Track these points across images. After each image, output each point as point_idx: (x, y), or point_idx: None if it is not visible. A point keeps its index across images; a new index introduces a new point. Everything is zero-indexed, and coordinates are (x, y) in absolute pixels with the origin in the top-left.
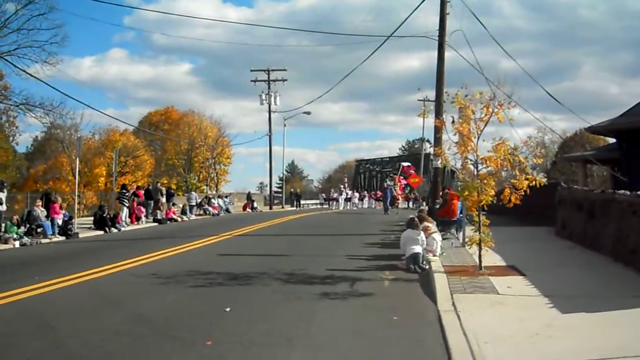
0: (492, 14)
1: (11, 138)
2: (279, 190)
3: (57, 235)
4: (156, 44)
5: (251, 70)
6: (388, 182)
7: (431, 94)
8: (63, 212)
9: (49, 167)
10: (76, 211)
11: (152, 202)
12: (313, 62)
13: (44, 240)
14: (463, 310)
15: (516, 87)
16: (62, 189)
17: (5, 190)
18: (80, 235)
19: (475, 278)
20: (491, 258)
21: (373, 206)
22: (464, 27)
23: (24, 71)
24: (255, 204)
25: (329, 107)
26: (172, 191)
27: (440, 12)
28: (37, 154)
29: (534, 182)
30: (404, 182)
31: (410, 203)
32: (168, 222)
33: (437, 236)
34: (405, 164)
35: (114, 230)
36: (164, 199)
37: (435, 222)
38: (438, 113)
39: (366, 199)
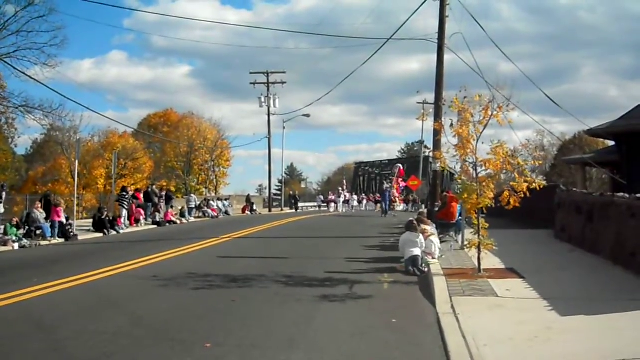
0: (491, 17)
1: (10, 140)
2: (278, 192)
3: (57, 238)
4: (155, 46)
5: (250, 73)
6: (386, 185)
7: (430, 97)
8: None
9: (48, 169)
10: (75, 213)
11: (151, 204)
12: (312, 64)
13: (43, 243)
14: (462, 313)
15: (515, 89)
16: (61, 191)
17: (4, 193)
18: (80, 238)
19: (474, 281)
20: (490, 261)
21: (371, 209)
22: (464, 30)
23: (24, 73)
24: (254, 207)
25: (328, 109)
26: (171, 194)
27: (440, 15)
28: (37, 156)
29: (533, 185)
30: (402, 184)
31: (409, 206)
32: (167, 224)
33: (435, 239)
34: (398, 165)
35: (112, 232)
36: (162, 202)
37: (434, 225)
38: (437, 116)
39: (364, 201)
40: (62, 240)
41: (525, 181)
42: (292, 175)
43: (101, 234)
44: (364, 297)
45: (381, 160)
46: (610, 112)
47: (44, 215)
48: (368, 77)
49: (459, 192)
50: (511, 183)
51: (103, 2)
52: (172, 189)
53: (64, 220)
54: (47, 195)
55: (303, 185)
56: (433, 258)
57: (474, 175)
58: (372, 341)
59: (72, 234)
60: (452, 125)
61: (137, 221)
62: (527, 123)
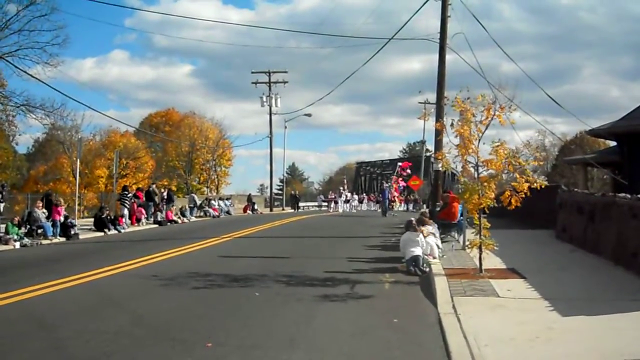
0: (493, 17)
1: (11, 138)
2: (280, 192)
3: (58, 237)
4: (157, 45)
5: (252, 72)
6: (385, 184)
7: (432, 97)
8: (64, 213)
9: (49, 168)
10: (76, 212)
11: (152, 203)
12: (314, 64)
13: (44, 242)
14: (463, 313)
15: (517, 90)
16: (63, 190)
17: (4, 192)
18: (81, 237)
19: (475, 281)
20: (492, 261)
21: (372, 208)
22: (465, 30)
23: (25, 72)
24: (255, 206)
25: (329, 109)
26: (172, 193)
27: (442, 15)
28: (38, 155)
29: (534, 185)
30: (402, 184)
31: (411, 206)
32: (168, 223)
33: (432, 239)
34: (399, 164)
35: (113, 231)
36: (163, 201)
37: (436, 225)
38: (439, 116)
39: (365, 201)
40: (63, 239)
41: (527, 181)
42: (294, 174)
43: (102, 233)
44: (365, 297)
45: (382, 160)
46: (611, 113)
47: (46, 214)
48: (370, 76)
49: (460, 192)
50: (512, 183)
51: (105, 2)
52: (174, 188)
53: (63, 218)
54: (48, 195)
55: (304, 185)
56: (434, 258)
57: (476, 176)
58: (373, 341)
59: (73, 232)
60: (452, 125)
61: (139, 220)
62: (529, 123)
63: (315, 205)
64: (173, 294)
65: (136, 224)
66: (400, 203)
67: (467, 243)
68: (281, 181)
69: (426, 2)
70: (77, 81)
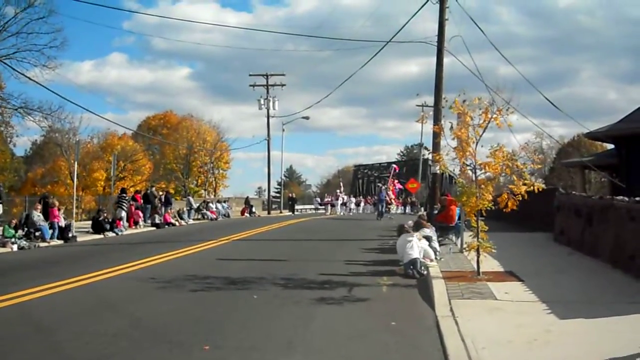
0: (490, 20)
1: (9, 140)
2: (277, 195)
3: (56, 239)
4: (155, 48)
5: (250, 75)
6: (382, 186)
7: (430, 100)
8: (62, 215)
9: (47, 171)
10: (74, 215)
11: (149, 206)
12: (312, 67)
13: (42, 244)
14: (461, 316)
15: (515, 93)
16: (61, 192)
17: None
18: (79, 239)
19: (473, 284)
20: (489, 264)
21: (369, 211)
22: (463, 33)
23: (23, 75)
24: (253, 209)
25: (327, 112)
26: (170, 196)
27: (439, 18)
28: (36, 158)
29: (532, 187)
30: (398, 186)
31: (408, 208)
32: (166, 226)
33: (425, 243)
34: (393, 165)
35: (111, 234)
36: (161, 204)
37: (433, 228)
38: (437, 119)
39: (362, 204)
40: (61, 241)
41: (524, 184)
42: (291, 177)
43: (100, 236)
44: (362, 300)
45: (380, 163)
46: (609, 116)
47: (41, 217)
48: (367, 79)
49: (458, 194)
50: (510, 186)
51: (103, 4)
52: (171, 190)
53: (62, 220)
54: (45, 197)
55: (302, 188)
56: (431, 261)
57: (473, 178)
58: (371, 344)
59: (71, 235)
60: (451, 127)
61: (136, 223)
62: (527, 126)
63: (312, 208)
64: (171, 297)
65: (134, 227)
66: (398, 206)
67: (464, 246)
68: (279, 184)
69: (424, 5)
70: (75, 84)
